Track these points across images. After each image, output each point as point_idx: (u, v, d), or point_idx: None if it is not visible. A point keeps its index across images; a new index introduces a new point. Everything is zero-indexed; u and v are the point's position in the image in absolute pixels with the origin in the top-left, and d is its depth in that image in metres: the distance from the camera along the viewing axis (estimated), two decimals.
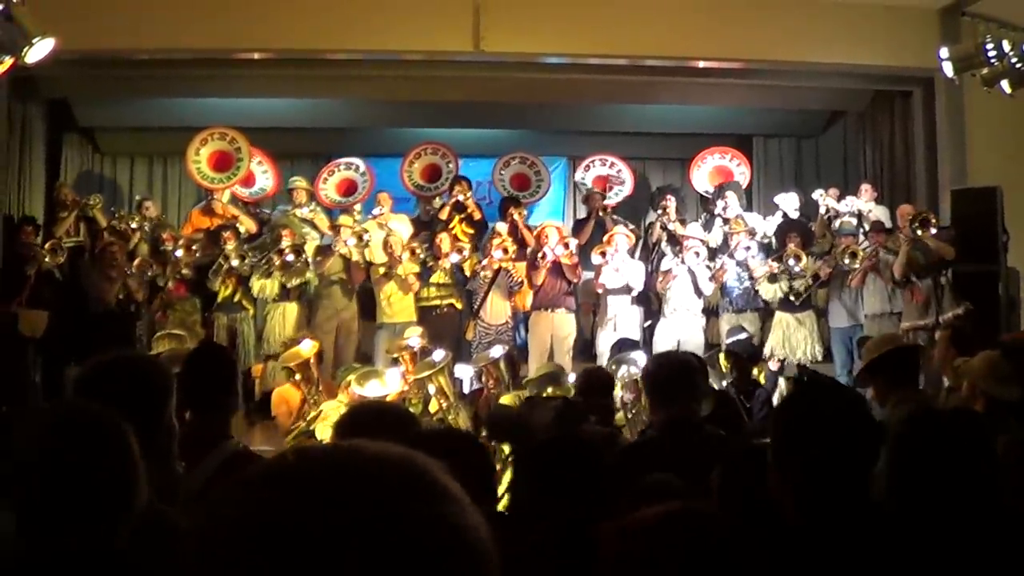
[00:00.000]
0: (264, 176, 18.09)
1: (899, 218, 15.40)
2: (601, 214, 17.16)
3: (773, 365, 15.32)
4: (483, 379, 12.55)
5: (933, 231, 14.18)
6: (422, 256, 15.47)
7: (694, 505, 2.92)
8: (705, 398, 7.04)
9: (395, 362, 12.82)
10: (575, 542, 3.92)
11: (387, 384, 11.07)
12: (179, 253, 15.35)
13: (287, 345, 13.08)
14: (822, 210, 16.83)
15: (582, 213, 18.38)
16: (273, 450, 10.88)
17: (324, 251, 15.71)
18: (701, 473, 4.43)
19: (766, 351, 15.34)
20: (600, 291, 15.73)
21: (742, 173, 18.49)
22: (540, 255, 15.40)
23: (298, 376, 11.84)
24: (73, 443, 2.69)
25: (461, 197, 16.76)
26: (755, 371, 14.37)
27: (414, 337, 13.06)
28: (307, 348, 12.04)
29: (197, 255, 15.50)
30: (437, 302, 15.51)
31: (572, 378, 11.96)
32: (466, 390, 14.39)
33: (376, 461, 1.38)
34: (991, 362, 7.23)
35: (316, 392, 11.51)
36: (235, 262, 15.25)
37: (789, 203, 17.31)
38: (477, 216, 16.90)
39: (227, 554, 1.30)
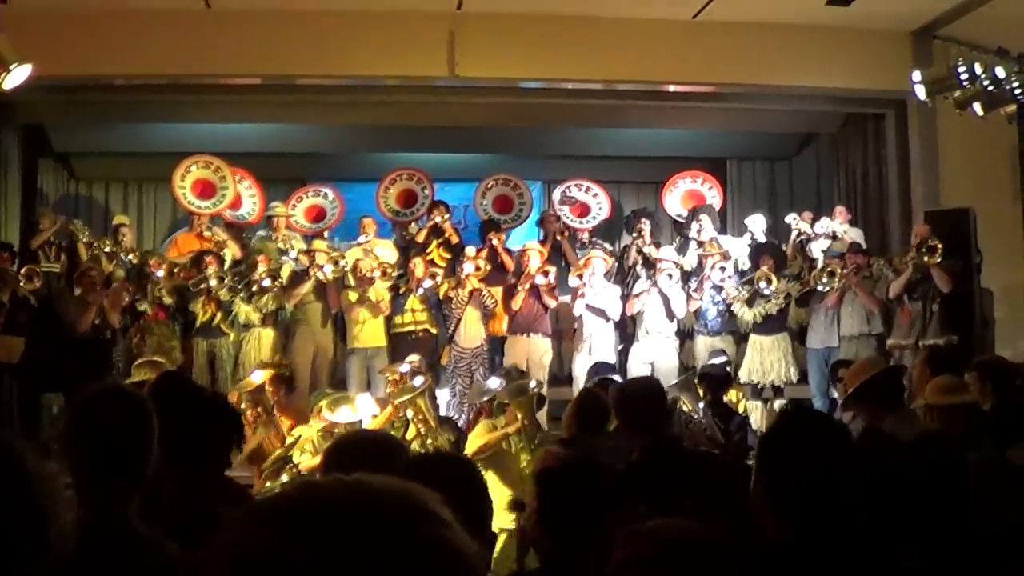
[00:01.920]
0: (251, 201, 18.07)
1: (914, 236, 15.33)
2: (559, 237, 17.19)
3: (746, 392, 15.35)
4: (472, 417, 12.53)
5: (938, 259, 14.16)
6: (393, 275, 15.46)
7: (698, 525, 2.97)
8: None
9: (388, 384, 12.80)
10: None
11: (358, 410, 11.05)
12: (160, 273, 15.32)
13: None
14: (793, 234, 16.93)
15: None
16: (248, 476, 10.88)
17: (296, 278, 15.69)
18: (692, 489, 4.49)
19: (741, 374, 15.38)
20: (577, 314, 15.69)
21: (714, 196, 18.55)
22: (519, 283, 15.41)
23: (243, 404, 11.83)
24: None
25: (439, 219, 16.79)
26: (733, 396, 14.46)
27: (407, 364, 13.04)
28: (256, 377, 12.07)
29: (181, 275, 15.44)
30: (412, 328, 15.48)
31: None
32: (442, 413, 14.40)
33: (378, 494, 1.44)
34: (937, 383, 7.49)
35: (267, 418, 11.52)
36: (213, 282, 15.20)
37: (757, 225, 17.39)
38: (455, 240, 16.91)
39: None
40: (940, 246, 14.14)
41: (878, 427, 6.92)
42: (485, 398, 11.92)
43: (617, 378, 12.42)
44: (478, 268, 15.45)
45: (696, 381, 12.35)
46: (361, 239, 16.54)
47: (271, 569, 1.33)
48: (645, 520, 3.86)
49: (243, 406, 11.83)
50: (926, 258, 14.15)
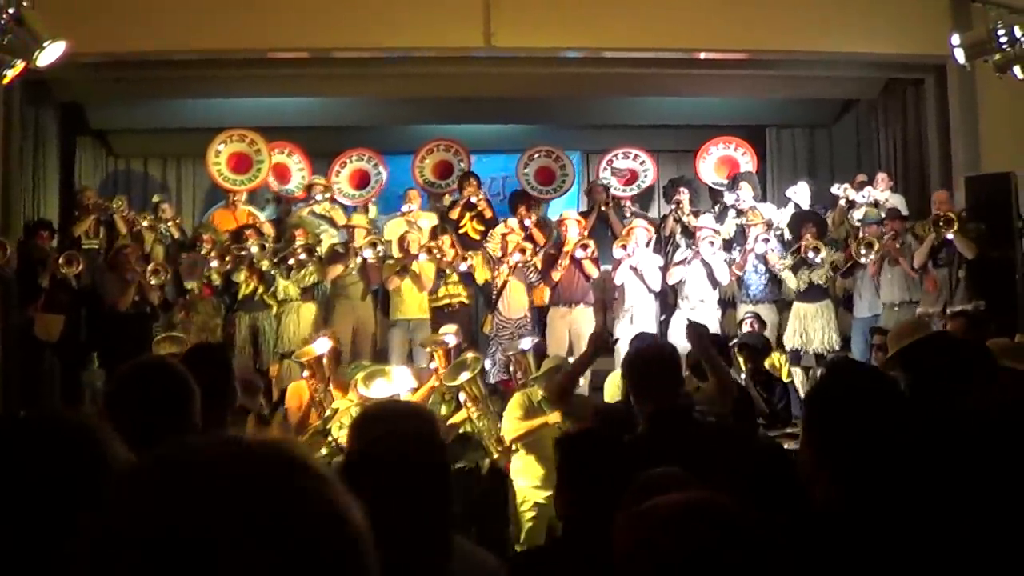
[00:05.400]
0: (300, 175, 18.17)
1: (933, 204, 15.29)
2: (603, 208, 17.09)
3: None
4: (511, 370, 12.53)
5: (949, 236, 14.12)
6: (439, 256, 15.43)
7: (713, 495, 2.90)
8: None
9: (430, 357, 12.80)
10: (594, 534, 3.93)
11: (393, 382, 10.99)
12: (215, 264, 15.33)
13: (307, 342, 13.13)
14: (841, 202, 16.86)
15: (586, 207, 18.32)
16: None
17: (334, 257, 15.72)
18: (702, 462, 4.41)
19: (784, 341, 15.34)
20: (619, 283, 15.62)
21: (748, 162, 18.47)
22: (560, 256, 15.39)
23: (306, 372, 11.81)
24: (35, 454, 2.64)
25: (474, 199, 16.78)
26: (776, 362, 14.42)
27: (450, 335, 13.03)
28: (320, 347, 12.01)
29: (229, 266, 15.46)
30: (448, 301, 15.49)
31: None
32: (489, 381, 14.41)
33: (248, 448, 1.42)
34: (1005, 343, 7.44)
35: (324, 390, 11.47)
36: (255, 249, 15.22)
37: (801, 194, 17.33)
38: (488, 215, 16.89)
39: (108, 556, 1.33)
40: (954, 217, 14.11)
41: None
42: (512, 352, 12.01)
43: None
44: (523, 252, 15.38)
45: (736, 351, 12.33)
46: (404, 208, 16.54)
47: (144, 535, 1.31)
48: (675, 482, 3.81)
49: (304, 374, 11.87)
50: (942, 231, 14.12)
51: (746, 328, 14.51)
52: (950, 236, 14.16)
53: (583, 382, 12.12)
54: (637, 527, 2.76)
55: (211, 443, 1.45)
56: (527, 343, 12.52)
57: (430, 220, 16.67)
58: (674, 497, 2.84)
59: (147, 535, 1.30)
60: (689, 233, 16.34)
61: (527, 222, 16.30)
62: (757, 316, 15.00)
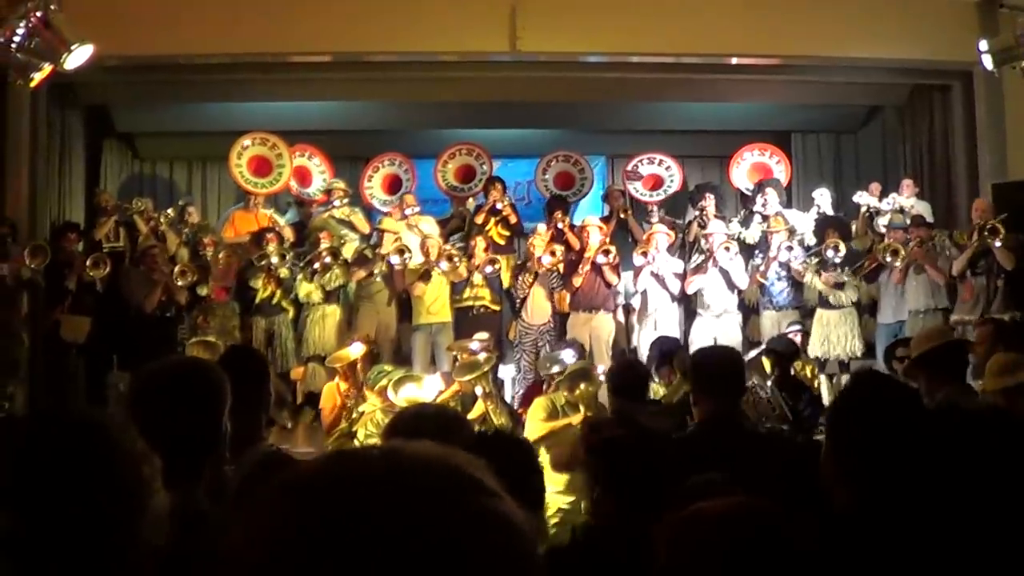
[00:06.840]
0: (321, 178, 18.07)
1: (974, 212, 15.14)
2: (622, 215, 17.09)
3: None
4: (545, 385, 12.48)
5: (998, 244, 14.01)
6: (458, 264, 15.40)
7: (755, 500, 2.90)
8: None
9: (455, 360, 12.80)
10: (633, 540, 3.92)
11: (424, 388, 10.96)
12: (220, 261, 15.38)
13: (334, 345, 13.11)
14: (862, 209, 16.85)
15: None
16: (314, 452, 10.90)
17: (361, 261, 15.72)
18: (744, 468, 4.41)
19: (809, 350, 15.26)
20: (641, 289, 15.61)
21: (781, 170, 18.36)
22: (581, 261, 15.35)
23: (337, 378, 11.82)
24: (50, 452, 2.61)
25: (499, 206, 16.75)
26: (808, 372, 14.33)
27: (477, 342, 13.02)
28: (356, 351, 12.01)
29: (236, 264, 15.49)
30: (472, 303, 15.47)
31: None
32: (508, 392, 14.35)
33: (418, 462, 1.35)
34: (995, 363, 7.39)
35: (357, 394, 11.47)
36: (275, 259, 15.26)
37: (824, 199, 17.29)
38: (513, 220, 16.88)
39: (268, 564, 1.28)
40: (1002, 228, 13.99)
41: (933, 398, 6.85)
42: (555, 369, 11.87)
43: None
44: (553, 253, 15.36)
45: (763, 357, 12.25)
46: (408, 212, 16.51)
47: (305, 549, 1.25)
48: (719, 489, 3.80)
49: (337, 379, 11.88)
50: (988, 240, 14.00)
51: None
52: (998, 243, 14.01)
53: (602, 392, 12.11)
54: (683, 531, 2.76)
55: (368, 453, 1.39)
56: (569, 356, 12.39)
57: (429, 223, 16.63)
58: (720, 502, 2.84)
59: (301, 551, 1.26)
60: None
61: (560, 225, 16.25)
62: (802, 327, 14.95)
